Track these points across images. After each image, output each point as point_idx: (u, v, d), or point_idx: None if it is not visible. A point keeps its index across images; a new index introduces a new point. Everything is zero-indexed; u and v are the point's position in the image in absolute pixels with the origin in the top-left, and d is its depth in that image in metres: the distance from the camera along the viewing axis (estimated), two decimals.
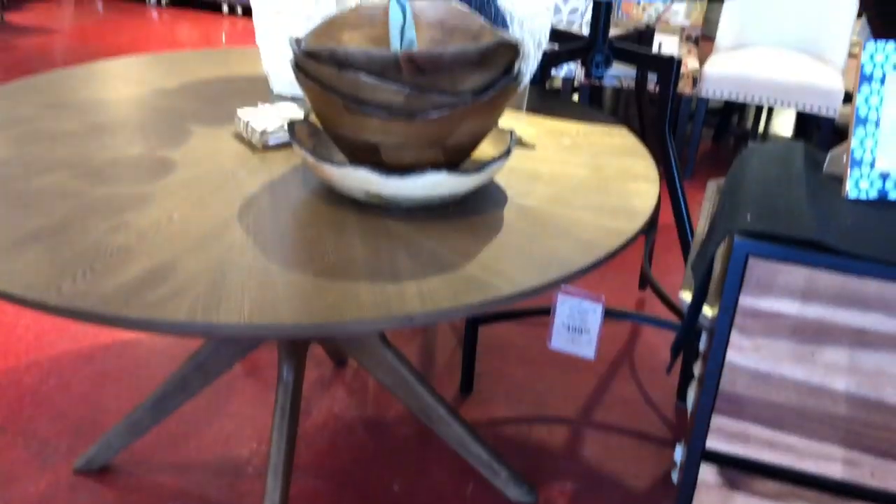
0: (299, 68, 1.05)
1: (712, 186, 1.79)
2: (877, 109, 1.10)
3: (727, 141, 3.94)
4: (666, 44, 3.32)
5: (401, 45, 1.21)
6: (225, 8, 5.59)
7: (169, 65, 1.66)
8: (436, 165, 1.06)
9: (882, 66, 1.10)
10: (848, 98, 3.55)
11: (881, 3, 1.42)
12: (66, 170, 1.15)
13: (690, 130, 3.40)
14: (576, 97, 3.60)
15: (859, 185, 1.12)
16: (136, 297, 0.85)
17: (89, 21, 5.40)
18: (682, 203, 1.84)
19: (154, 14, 5.62)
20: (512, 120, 1.48)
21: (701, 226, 1.60)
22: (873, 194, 1.12)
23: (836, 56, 3.33)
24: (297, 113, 1.33)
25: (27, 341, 2.03)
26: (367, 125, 1.02)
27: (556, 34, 1.94)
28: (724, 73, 3.16)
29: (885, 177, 1.12)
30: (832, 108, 3.08)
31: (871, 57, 1.09)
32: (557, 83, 3.90)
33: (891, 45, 1.09)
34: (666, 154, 1.78)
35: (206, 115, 1.40)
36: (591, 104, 2.84)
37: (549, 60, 1.69)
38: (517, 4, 1.37)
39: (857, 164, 1.11)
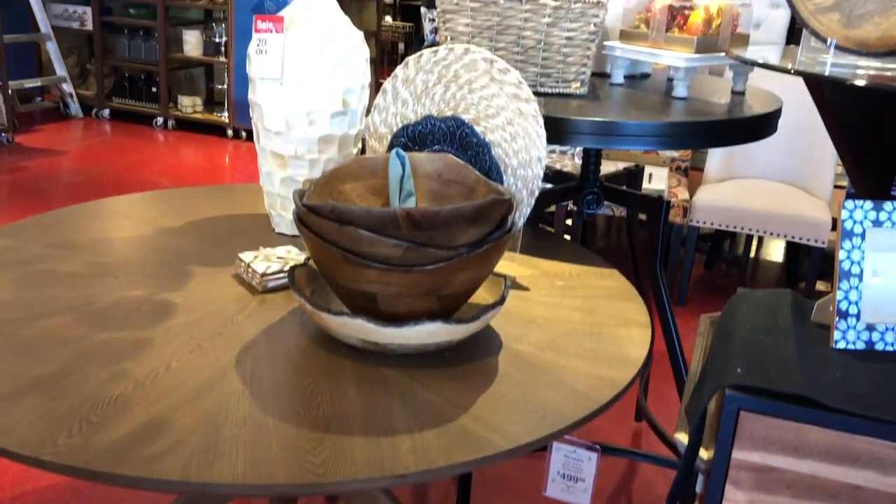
0: (301, 221, 1.09)
1: (705, 321, 1.80)
2: (859, 263, 1.14)
3: (720, 266, 4.00)
4: (656, 175, 3.43)
5: (400, 195, 1.25)
6: (230, 132, 5.77)
7: (173, 201, 1.71)
8: (431, 315, 1.09)
9: (861, 223, 1.14)
10: (835, 225, 3.63)
11: (859, 158, 1.49)
12: (67, 314, 1.18)
13: (683, 256, 3.46)
14: (569, 221, 3.68)
15: (846, 337, 1.14)
16: (130, 454, 0.85)
17: (97, 142, 5.57)
18: (676, 340, 1.86)
19: (160, 136, 5.80)
20: (506, 261, 1.51)
21: (695, 362, 1.61)
22: (860, 345, 1.14)
23: (822, 188, 3.43)
24: (298, 256, 1.36)
25: (13, 473, 2.00)
26: (364, 276, 1.05)
27: (547, 173, 2.01)
28: (713, 203, 3.25)
29: (871, 328, 1.14)
30: (821, 238, 3.15)
31: (851, 214, 1.14)
32: (552, 207, 3.99)
33: (868, 203, 1.14)
34: (658, 292, 1.81)
35: (208, 255, 1.43)
36: (585, 231, 2.89)
37: (542, 201, 1.74)
38: (510, 154, 1.44)
39: (844, 316, 1.14)
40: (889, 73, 1.43)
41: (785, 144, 3.50)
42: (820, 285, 3.47)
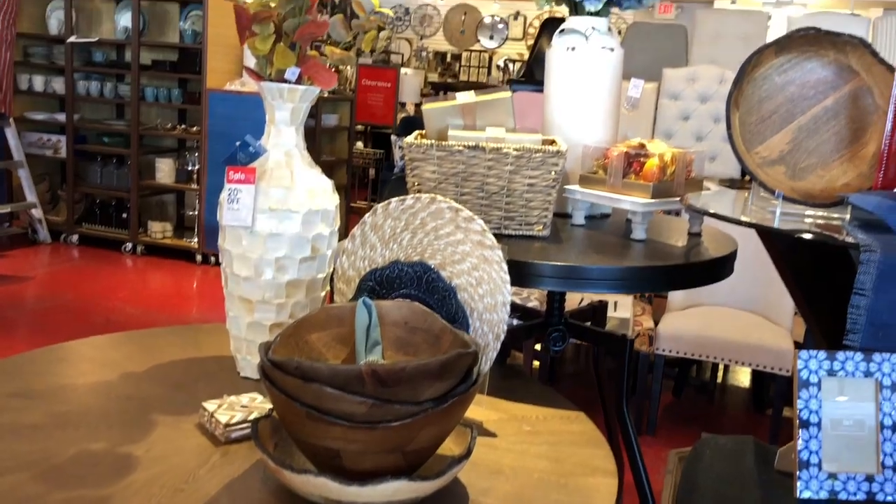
0: (266, 376, 1.10)
1: (673, 458, 1.79)
2: (817, 413, 1.16)
3: (688, 393, 4.01)
4: (621, 303, 3.49)
5: (366, 345, 1.27)
6: (199, 257, 5.79)
7: (139, 343, 1.71)
8: (397, 471, 1.08)
9: (816, 373, 1.17)
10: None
11: (812, 304, 1.54)
12: (25, 470, 1.15)
13: (650, 383, 3.48)
14: (538, 346, 3.69)
15: (810, 486, 1.15)
16: None
17: (64, 268, 5.55)
18: (645, 480, 1.84)
19: (129, 262, 5.80)
20: (474, 404, 1.51)
21: (665, 500, 1.59)
22: (824, 495, 1.15)
23: (784, 316, 3.51)
24: (263, 405, 1.35)
25: None
26: (329, 433, 1.05)
27: (513, 308, 2.05)
28: (678, 332, 3.30)
29: (832, 477, 1.15)
30: (784, 367, 3.19)
31: (806, 364, 1.17)
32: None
33: (822, 353, 1.18)
34: (626, 432, 1.81)
35: (172, 402, 1.42)
36: (553, 365, 2.94)
37: (509, 340, 1.76)
38: (476, 299, 1.47)
39: (805, 465, 1.15)
40: (835, 223, 1.50)
41: (746, 272, 3.59)
42: (787, 411, 3.48)
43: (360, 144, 8.89)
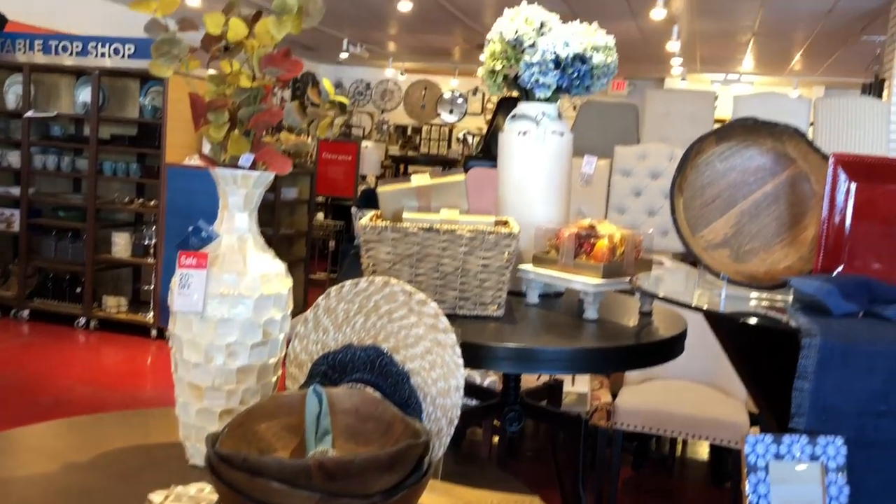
0: (212, 470, 1.08)
1: None
2: (766, 497, 1.17)
3: (648, 467, 4.00)
4: (579, 378, 3.49)
5: (316, 433, 1.25)
6: (154, 332, 5.69)
7: (84, 431, 1.66)
8: None
9: (764, 457, 1.19)
10: (755, 422, 3.71)
11: (759, 384, 1.57)
12: None
13: (610, 457, 3.46)
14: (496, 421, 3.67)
15: None
16: None
17: (12, 345, 5.40)
18: None
19: (81, 338, 5.67)
20: (427, 491, 1.49)
21: None
22: None
23: (739, 388, 3.54)
24: (210, 495, 1.32)
25: None
26: None
27: (471, 388, 2.04)
28: (635, 407, 3.31)
29: None
30: (740, 441, 3.21)
31: (753, 448, 1.19)
32: None
33: (769, 437, 1.19)
34: None
35: (116, 494, 1.38)
36: (511, 444, 2.92)
37: (465, 421, 1.76)
38: (429, 383, 1.47)
39: None
40: (779, 304, 1.54)
41: (701, 345, 3.64)
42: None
43: (320, 216, 8.92)
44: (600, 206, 4.68)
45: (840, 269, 1.53)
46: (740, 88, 11.00)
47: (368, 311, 1.54)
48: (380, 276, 1.57)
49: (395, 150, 12.64)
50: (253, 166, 1.53)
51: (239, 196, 1.52)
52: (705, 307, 1.44)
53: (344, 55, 10.46)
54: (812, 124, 4.84)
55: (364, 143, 10.63)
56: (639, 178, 4.80)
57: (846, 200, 1.50)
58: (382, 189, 1.94)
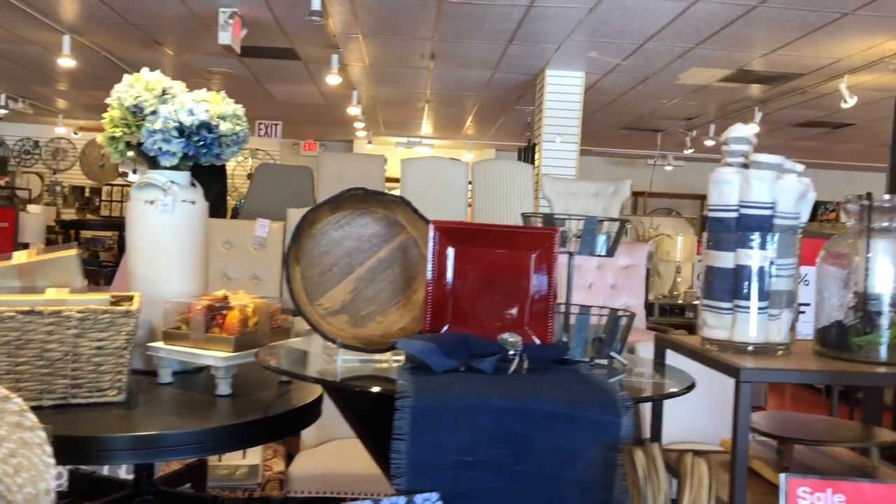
0: None
1: None
2: None
3: None
4: (251, 450, 3.37)
5: None
6: None
7: None
8: None
9: None
10: None
11: (384, 457, 1.59)
12: None
13: None
14: None
15: None
16: None
17: None
18: None
19: None
20: None
21: None
22: None
23: None
24: None
25: None
26: None
27: (98, 480, 1.86)
28: (309, 472, 3.25)
29: None
30: None
31: None
32: None
33: (368, 501, 1.21)
34: None
35: None
36: None
37: None
38: (14, 490, 1.29)
39: None
40: (395, 364, 1.60)
41: None
42: None
43: None
44: (276, 270, 4.63)
45: (446, 327, 1.63)
46: (422, 150, 11.74)
47: None
48: None
49: (71, 213, 11.62)
50: None
51: None
52: (315, 376, 1.45)
53: (2, 111, 9.44)
54: (471, 184, 5.26)
55: (30, 208, 9.62)
56: None
57: (445, 263, 1.61)
58: None
